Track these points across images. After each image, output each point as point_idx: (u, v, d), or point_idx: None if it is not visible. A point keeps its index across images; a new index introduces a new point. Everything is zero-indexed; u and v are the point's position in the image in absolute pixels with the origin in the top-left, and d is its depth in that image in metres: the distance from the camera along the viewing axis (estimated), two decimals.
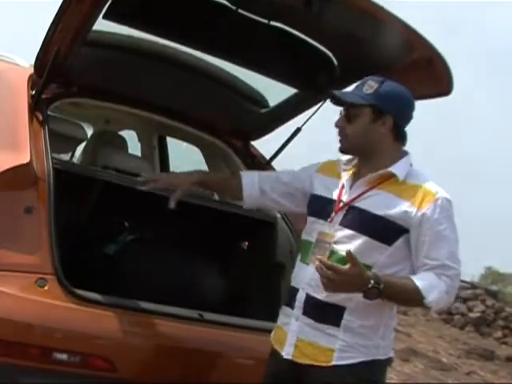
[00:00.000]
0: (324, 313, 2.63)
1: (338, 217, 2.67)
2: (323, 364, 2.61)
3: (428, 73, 3.34)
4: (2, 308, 2.84)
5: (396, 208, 2.59)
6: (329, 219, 2.68)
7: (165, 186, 3.03)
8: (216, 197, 4.39)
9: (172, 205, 2.92)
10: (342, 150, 2.75)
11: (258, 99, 4.17)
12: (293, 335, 2.68)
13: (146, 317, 3.12)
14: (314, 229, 2.73)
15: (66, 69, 3.44)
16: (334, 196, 2.73)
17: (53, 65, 3.30)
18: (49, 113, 3.51)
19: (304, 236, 2.81)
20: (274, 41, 3.45)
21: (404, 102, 2.71)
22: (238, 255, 3.99)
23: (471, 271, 17.73)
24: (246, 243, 4.02)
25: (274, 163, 4.19)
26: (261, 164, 4.18)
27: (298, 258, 2.82)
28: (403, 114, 2.71)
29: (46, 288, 2.92)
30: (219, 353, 3.26)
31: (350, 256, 2.43)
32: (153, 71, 3.87)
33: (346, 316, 2.60)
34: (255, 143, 4.35)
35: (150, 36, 3.66)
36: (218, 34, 3.41)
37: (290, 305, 2.73)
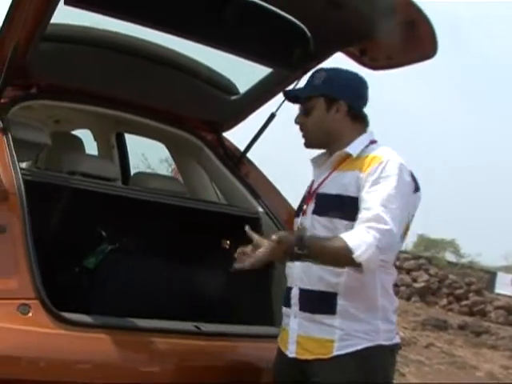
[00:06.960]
0: (318, 302, 2.62)
1: (310, 207, 2.70)
2: (325, 356, 2.58)
3: (410, 37, 3.17)
4: None
5: (348, 181, 2.59)
6: (301, 212, 2.74)
7: None
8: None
9: None
10: (307, 145, 2.80)
11: (227, 86, 3.95)
12: (293, 333, 2.67)
13: (141, 335, 2.88)
14: (296, 227, 2.77)
15: (24, 68, 3.11)
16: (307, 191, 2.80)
17: (10, 64, 2.97)
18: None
19: None
20: (244, 16, 3.26)
21: (354, 84, 2.75)
22: (221, 256, 3.71)
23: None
24: (228, 242, 3.75)
25: (249, 154, 3.94)
26: (235, 157, 3.93)
27: None
28: (355, 96, 2.74)
29: (30, 314, 2.65)
30: (223, 366, 3.03)
31: (249, 234, 2.46)
32: (111, 63, 3.59)
33: (339, 301, 2.57)
34: (227, 134, 4.08)
35: (108, 25, 3.42)
36: (185, 12, 3.19)
37: (287, 304, 2.73)
